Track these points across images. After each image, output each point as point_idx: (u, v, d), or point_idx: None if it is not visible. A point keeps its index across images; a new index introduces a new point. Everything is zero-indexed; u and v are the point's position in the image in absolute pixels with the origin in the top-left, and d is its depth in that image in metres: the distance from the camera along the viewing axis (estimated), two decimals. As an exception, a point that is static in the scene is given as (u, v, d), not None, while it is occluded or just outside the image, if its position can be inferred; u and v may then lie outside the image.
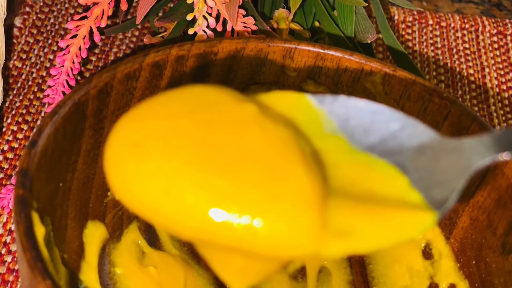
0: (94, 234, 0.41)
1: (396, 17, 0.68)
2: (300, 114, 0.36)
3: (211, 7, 0.50)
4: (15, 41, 0.60)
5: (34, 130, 0.36)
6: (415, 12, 0.69)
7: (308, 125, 0.36)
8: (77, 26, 0.51)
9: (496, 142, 0.32)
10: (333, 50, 0.43)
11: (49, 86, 0.51)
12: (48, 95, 0.51)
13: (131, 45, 0.61)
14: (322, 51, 0.43)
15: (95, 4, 0.51)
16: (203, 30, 0.49)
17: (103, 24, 0.51)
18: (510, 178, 0.39)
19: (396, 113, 0.36)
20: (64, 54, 0.51)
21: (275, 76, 0.44)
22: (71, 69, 0.51)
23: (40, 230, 0.33)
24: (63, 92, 0.51)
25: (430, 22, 0.68)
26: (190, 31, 0.50)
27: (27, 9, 0.62)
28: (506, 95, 0.63)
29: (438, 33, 0.68)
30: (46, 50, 0.60)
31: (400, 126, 0.36)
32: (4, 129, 0.53)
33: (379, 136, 0.36)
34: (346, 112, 0.36)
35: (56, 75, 0.51)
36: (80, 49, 0.51)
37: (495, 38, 0.68)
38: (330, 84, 0.44)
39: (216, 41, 0.42)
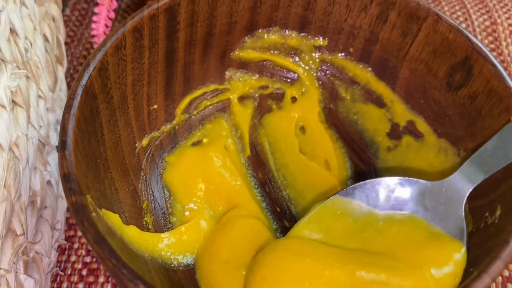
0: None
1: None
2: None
3: None
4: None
5: (59, 130, 0.38)
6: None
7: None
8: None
9: (469, 172, 0.42)
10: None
11: (93, 21, 0.60)
12: (94, 29, 0.60)
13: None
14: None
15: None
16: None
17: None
18: (443, 33, 0.45)
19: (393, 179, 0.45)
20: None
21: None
22: (110, 5, 0.60)
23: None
24: (106, 25, 0.59)
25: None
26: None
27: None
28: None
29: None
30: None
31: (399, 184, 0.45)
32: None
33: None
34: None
35: (98, 12, 0.60)
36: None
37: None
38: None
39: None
